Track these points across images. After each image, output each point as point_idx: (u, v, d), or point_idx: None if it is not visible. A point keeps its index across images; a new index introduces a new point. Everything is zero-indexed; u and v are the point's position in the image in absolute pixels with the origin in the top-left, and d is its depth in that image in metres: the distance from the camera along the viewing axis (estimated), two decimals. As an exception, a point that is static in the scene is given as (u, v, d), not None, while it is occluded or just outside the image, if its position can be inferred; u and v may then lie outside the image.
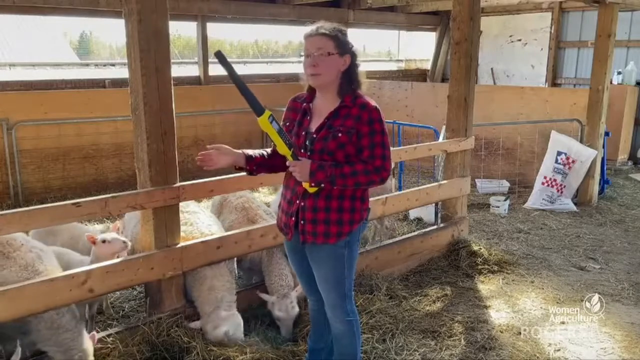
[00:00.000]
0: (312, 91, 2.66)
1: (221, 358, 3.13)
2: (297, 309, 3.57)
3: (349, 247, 2.62)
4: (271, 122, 2.39)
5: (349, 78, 2.53)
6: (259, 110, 2.39)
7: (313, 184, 2.46)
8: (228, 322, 3.27)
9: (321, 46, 2.46)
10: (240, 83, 2.39)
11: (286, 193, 2.69)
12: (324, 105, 2.59)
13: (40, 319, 2.85)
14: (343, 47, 2.49)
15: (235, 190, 4.05)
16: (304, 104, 2.65)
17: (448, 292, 4.29)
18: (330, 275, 2.65)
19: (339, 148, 2.48)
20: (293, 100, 2.73)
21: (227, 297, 3.38)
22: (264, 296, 3.58)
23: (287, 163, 2.47)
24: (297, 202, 2.59)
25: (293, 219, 2.62)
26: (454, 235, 5.06)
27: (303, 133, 2.57)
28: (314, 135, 2.53)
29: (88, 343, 2.92)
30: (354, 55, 2.54)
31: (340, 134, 2.48)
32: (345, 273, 2.64)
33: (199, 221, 3.71)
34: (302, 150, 2.54)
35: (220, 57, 2.42)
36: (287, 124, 2.67)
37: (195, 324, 3.31)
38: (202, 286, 3.38)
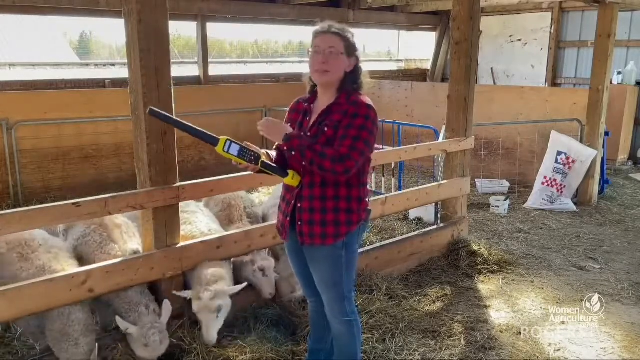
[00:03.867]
0: (314, 92, 2.66)
1: (221, 358, 3.14)
2: (272, 259, 3.63)
3: (347, 249, 2.61)
4: (228, 149, 2.41)
5: (351, 79, 2.55)
6: (213, 142, 2.42)
7: (285, 148, 2.44)
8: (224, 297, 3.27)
9: (333, 45, 2.48)
10: (187, 128, 2.46)
11: (285, 194, 2.69)
12: (323, 104, 2.59)
13: (51, 331, 2.92)
14: (351, 49, 2.53)
15: (236, 190, 4.05)
16: (306, 105, 2.66)
17: (448, 292, 4.29)
18: (328, 277, 2.65)
19: (327, 143, 2.47)
20: (296, 102, 2.74)
21: (226, 278, 3.38)
22: (239, 258, 3.59)
23: (258, 123, 2.47)
24: (294, 202, 2.59)
25: (289, 219, 2.62)
26: (454, 235, 5.06)
27: (302, 134, 2.57)
28: (308, 134, 2.54)
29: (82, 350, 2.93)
30: (357, 59, 2.57)
31: (326, 129, 2.49)
32: (343, 274, 2.64)
33: (198, 220, 3.72)
34: None
35: (156, 114, 2.51)
36: (290, 125, 2.66)
37: (186, 293, 3.27)
38: (201, 270, 3.37)
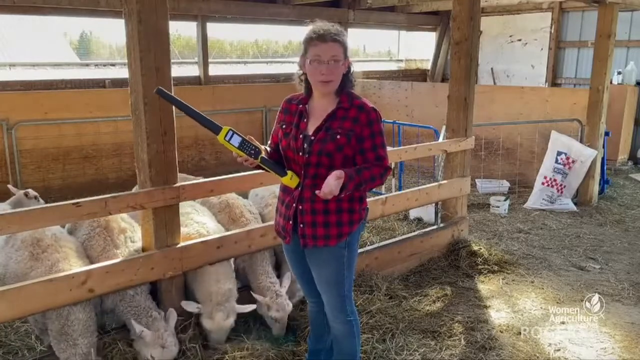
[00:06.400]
0: (308, 92, 2.64)
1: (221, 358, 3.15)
2: (291, 305, 3.57)
3: (349, 248, 2.62)
4: (230, 139, 2.43)
5: (348, 79, 2.56)
6: (215, 130, 2.44)
7: (342, 195, 2.42)
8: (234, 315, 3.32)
9: (335, 54, 2.46)
10: (190, 111, 2.47)
11: (284, 197, 2.67)
12: (321, 106, 2.58)
13: (51, 331, 2.93)
14: (346, 52, 2.53)
15: (236, 190, 4.04)
16: (300, 106, 2.63)
17: (448, 292, 4.29)
18: (330, 277, 2.65)
19: (337, 150, 2.48)
20: (288, 102, 2.71)
21: (234, 292, 3.41)
22: (258, 297, 3.52)
23: (316, 192, 2.41)
24: (295, 205, 2.58)
25: (291, 222, 2.61)
26: (454, 235, 5.06)
27: (301, 136, 2.55)
28: (312, 138, 2.52)
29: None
30: (349, 57, 2.57)
31: (338, 136, 2.48)
32: (345, 274, 2.65)
33: (193, 222, 3.69)
34: (300, 153, 2.53)
35: (163, 94, 2.54)
36: (284, 126, 2.64)
37: (193, 307, 3.29)
38: (205, 280, 3.37)
